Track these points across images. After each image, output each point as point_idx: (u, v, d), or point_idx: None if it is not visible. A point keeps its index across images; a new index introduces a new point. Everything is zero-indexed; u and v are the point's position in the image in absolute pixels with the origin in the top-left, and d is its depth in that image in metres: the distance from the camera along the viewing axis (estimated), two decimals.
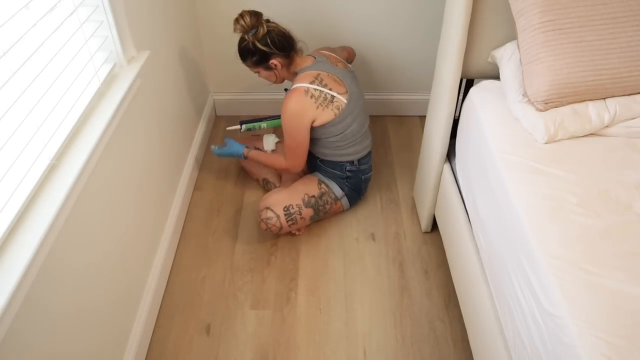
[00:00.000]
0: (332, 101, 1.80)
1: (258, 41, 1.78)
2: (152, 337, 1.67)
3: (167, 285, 1.83)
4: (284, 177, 2.14)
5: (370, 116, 2.62)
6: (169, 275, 1.86)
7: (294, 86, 1.81)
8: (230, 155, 2.06)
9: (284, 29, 1.83)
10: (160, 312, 1.74)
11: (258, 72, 1.90)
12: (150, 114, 1.73)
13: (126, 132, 1.50)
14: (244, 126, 2.16)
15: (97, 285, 1.32)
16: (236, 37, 2.36)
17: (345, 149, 1.92)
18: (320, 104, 1.79)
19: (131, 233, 1.55)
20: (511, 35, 1.54)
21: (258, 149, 2.15)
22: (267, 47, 1.78)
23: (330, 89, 1.80)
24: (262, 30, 1.77)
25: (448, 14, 1.56)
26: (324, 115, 1.81)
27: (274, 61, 1.82)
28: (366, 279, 1.85)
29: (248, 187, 2.23)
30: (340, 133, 1.86)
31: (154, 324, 1.70)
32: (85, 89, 1.33)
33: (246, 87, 2.55)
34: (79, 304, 1.23)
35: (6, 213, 1.02)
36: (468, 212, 1.56)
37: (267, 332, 1.68)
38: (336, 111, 1.81)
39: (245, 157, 2.02)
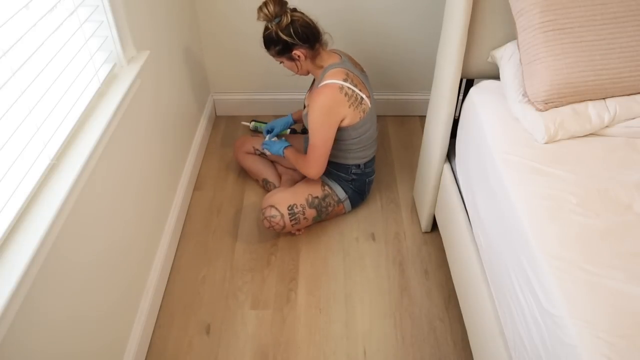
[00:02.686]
0: (361, 102, 1.78)
1: (281, 31, 1.70)
2: (152, 337, 1.67)
3: (167, 285, 1.82)
4: (283, 178, 2.14)
5: None
6: (169, 275, 1.86)
7: (327, 82, 1.74)
8: (275, 153, 1.99)
9: (309, 19, 1.74)
10: (160, 312, 1.74)
11: (282, 62, 1.83)
12: (150, 114, 1.73)
13: (126, 132, 1.50)
14: (252, 123, 2.47)
15: (97, 285, 1.32)
16: (237, 37, 2.38)
17: (356, 152, 1.91)
18: (352, 103, 1.75)
19: (131, 233, 1.55)
20: (511, 35, 1.54)
21: (256, 148, 2.18)
22: (289, 37, 1.70)
23: (360, 90, 1.78)
24: (285, 20, 1.69)
25: (448, 14, 1.56)
26: (352, 116, 1.78)
27: (297, 52, 1.75)
28: (366, 279, 1.85)
29: (248, 187, 2.23)
30: (359, 137, 1.85)
31: (154, 323, 1.70)
32: (85, 89, 1.33)
33: (246, 87, 2.55)
34: (79, 304, 1.23)
35: (6, 213, 1.02)
36: (468, 212, 1.56)
37: (267, 332, 1.68)
38: (362, 114, 1.80)
39: (283, 156, 1.96)
